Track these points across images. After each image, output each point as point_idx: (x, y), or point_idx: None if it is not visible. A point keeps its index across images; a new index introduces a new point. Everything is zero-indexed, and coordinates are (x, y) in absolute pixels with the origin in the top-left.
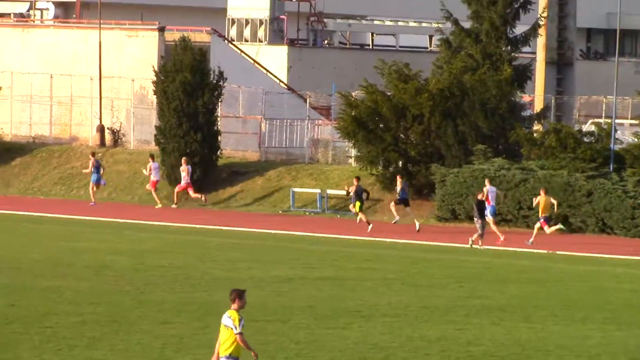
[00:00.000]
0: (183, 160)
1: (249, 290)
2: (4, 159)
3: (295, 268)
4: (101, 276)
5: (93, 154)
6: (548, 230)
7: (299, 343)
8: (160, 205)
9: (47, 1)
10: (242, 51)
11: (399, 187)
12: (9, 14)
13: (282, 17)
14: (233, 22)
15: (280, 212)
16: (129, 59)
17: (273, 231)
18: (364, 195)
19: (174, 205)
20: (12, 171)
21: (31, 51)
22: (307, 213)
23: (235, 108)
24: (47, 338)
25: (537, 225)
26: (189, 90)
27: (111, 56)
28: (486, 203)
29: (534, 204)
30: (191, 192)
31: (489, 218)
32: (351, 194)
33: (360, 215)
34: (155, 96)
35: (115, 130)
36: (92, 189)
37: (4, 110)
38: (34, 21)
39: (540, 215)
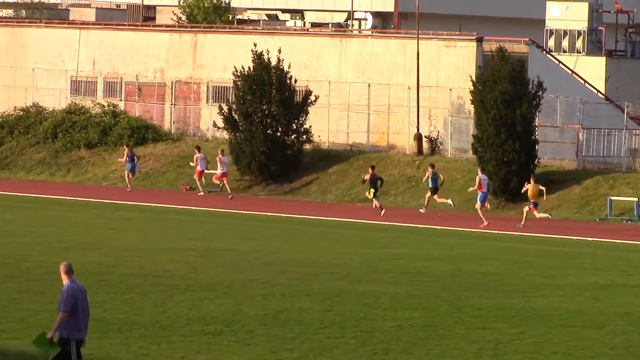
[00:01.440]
0: (219, 151)
1: (567, 296)
2: (322, 166)
3: (612, 275)
4: (417, 282)
5: (127, 145)
6: (537, 215)
7: (615, 349)
8: (202, 193)
9: (365, 11)
10: (560, 62)
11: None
12: (327, 24)
13: (600, 28)
14: (551, 33)
15: (597, 220)
16: (447, 68)
17: (590, 239)
18: (379, 183)
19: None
20: (329, 178)
21: (348, 61)
22: (624, 221)
23: (552, 118)
24: (363, 342)
25: (526, 209)
26: (508, 100)
27: (428, 66)
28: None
29: (522, 191)
30: (222, 181)
31: (478, 204)
32: (366, 181)
33: (375, 202)
34: (472, 105)
35: (432, 139)
36: (128, 176)
37: (321, 119)
38: (351, 31)
39: (529, 201)
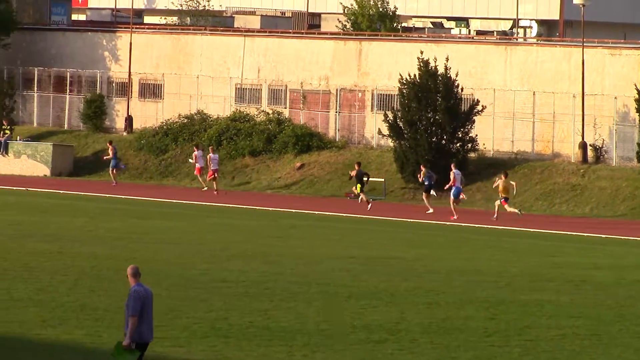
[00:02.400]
0: (210, 148)
1: None
2: (486, 174)
3: None
4: (581, 290)
5: (110, 142)
6: (508, 209)
7: None
8: (205, 189)
9: (530, 19)
10: None
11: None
12: (492, 32)
13: None
14: None
15: None
16: (612, 76)
17: None
18: (365, 178)
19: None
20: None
21: (513, 69)
22: None
23: None
24: (526, 351)
25: (497, 202)
26: None
27: (594, 74)
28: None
29: (493, 186)
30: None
31: (451, 198)
32: (352, 177)
33: (362, 195)
34: (637, 114)
35: (597, 147)
36: (112, 172)
37: (486, 127)
38: (516, 39)
39: (500, 195)
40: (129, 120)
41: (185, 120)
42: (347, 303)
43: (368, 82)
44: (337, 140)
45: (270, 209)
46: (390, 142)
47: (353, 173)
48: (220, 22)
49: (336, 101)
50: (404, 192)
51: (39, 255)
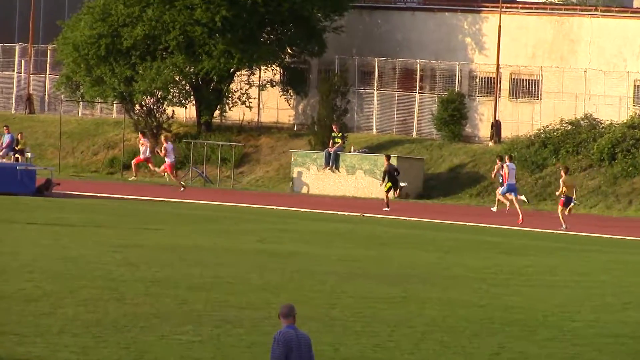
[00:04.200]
0: (140, 134)
1: None
2: None
3: None
4: None
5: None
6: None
7: None
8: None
9: None
10: None
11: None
12: None
13: None
14: None
15: None
16: None
17: None
18: (396, 174)
19: (131, 178)
20: None
21: None
22: None
23: None
24: None
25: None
26: None
27: None
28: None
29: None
30: (150, 165)
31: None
32: (385, 174)
33: (384, 195)
34: None
35: None
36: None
37: None
38: None
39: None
40: (496, 126)
41: (569, 127)
42: None
43: None
44: None
45: None
46: None
47: (384, 168)
48: (616, 1)
49: None
50: None
51: (377, 301)
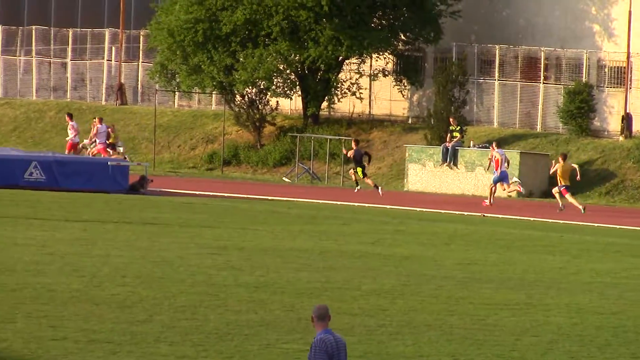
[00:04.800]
0: (98, 119)
1: None
2: None
3: None
4: None
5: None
6: (570, 199)
7: None
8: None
9: None
10: None
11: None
12: None
13: None
14: None
15: None
16: None
17: None
18: (365, 159)
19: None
20: None
21: None
22: None
23: None
24: None
25: (556, 190)
26: None
27: None
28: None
29: (550, 172)
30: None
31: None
32: (350, 158)
33: (367, 181)
34: None
35: None
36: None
37: None
38: None
39: (559, 183)
40: (626, 119)
41: None
42: None
43: None
44: None
45: None
46: None
47: (350, 153)
48: None
49: None
50: None
51: (500, 308)
